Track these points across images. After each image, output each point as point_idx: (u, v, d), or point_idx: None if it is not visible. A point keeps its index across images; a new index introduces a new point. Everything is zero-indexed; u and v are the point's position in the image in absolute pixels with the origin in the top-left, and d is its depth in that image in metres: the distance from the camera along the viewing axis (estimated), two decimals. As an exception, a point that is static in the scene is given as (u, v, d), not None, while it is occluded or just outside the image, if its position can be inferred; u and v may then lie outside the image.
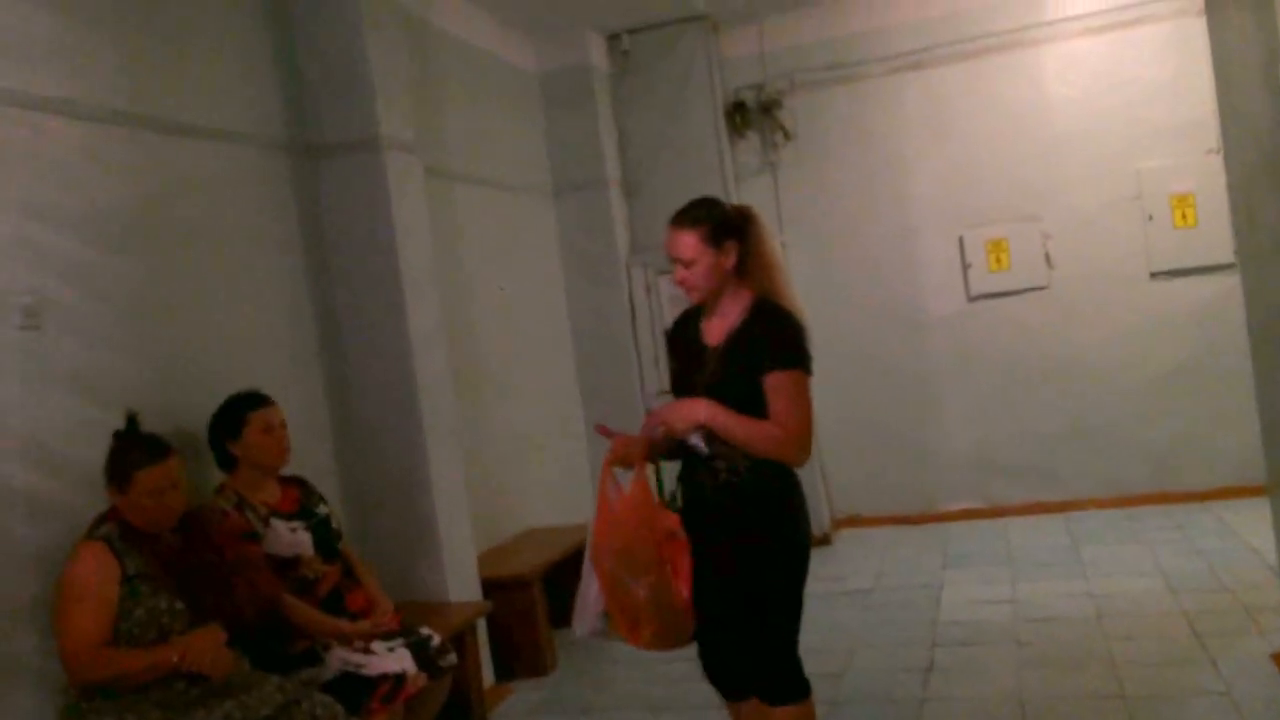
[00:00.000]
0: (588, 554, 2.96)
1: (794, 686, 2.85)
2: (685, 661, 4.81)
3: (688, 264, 2.82)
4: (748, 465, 2.76)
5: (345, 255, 4.43)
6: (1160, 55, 6.61)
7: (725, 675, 2.96)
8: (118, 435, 3.03)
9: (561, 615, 5.54)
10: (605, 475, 2.90)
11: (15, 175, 3.06)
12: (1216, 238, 6.50)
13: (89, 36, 3.40)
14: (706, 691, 4.43)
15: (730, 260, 2.83)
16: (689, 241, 2.81)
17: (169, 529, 3.05)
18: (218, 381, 3.65)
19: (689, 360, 2.91)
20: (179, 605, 2.94)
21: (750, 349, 2.76)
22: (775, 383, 2.72)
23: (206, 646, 2.88)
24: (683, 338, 2.98)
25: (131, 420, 3.04)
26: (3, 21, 3.09)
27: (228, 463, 3.55)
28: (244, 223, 4.04)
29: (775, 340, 2.75)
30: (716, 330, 2.87)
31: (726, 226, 2.83)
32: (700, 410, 2.75)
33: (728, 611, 2.83)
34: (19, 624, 2.90)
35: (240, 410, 3.54)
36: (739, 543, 2.78)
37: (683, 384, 2.92)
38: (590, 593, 2.96)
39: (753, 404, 2.74)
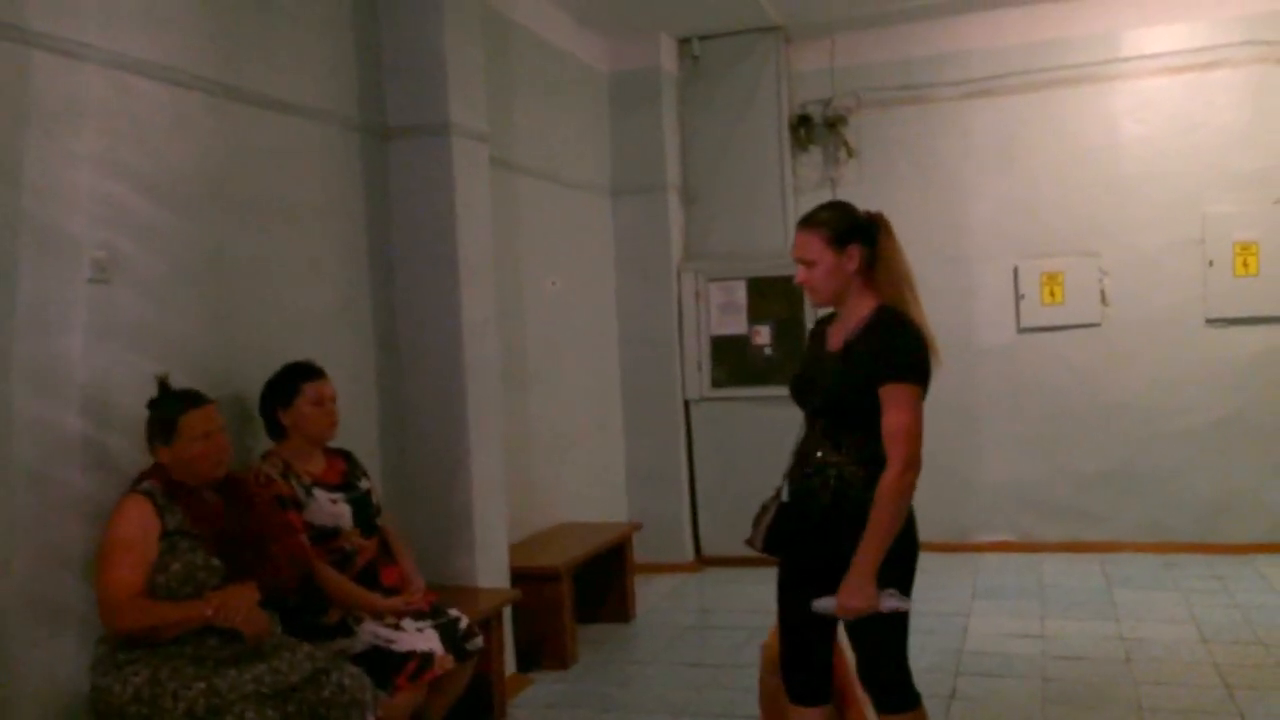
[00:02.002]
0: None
1: (904, 695, 2.83)
2: (709, 668, 4.85)
3: (809, 265, 2.82)
4: (859, 476, 2.73)
5: (407, 237, 4.49)
6: (1236, 100, 6.53)
7: (809, 679, 2.93)
8: (153, 401, 3.09)
9: (588, 610, 5.60)
10: None
11: (98, 131, 3.14)
12: (1277, 289, 6.42)
13: (182, 2, 3.48)
14: (728, 699, 4.47)
15: (852, 265, 2.79)
16: (812, 242, 2.81)
17: (218, 477, 3.12)
18: (273, 350, 3.72)
19: (813, 363, 2.91)
20: (216, 562, 3.00)
21: (866, 358, 2.72)
22: (888, 394, 2.67)
23: (240, 603, 2.94)
24: (813, 346, 2.97)
25: (163, 384, 3.11)
26: (98, -17, 3.17)
27: (277, 431, 3.61)
28: (312, 197, 4.11)
29: (890, 350, 2.71)
30: (837, 336, 2.85)
31: (852, 231, 2.80)
32: (864, 596, 2.68)
33: (827, 617, 2.81)
34: (69, 570, 2.96)
35: (293, 380, 3.60)
36: (848, 552, 2.72)
37: (802, 386, 2.91)
38: None
39: (859, 413, 2.72)
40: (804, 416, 2.92)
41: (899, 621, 2.78)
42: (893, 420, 2.67)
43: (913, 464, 2.66)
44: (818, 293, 2.85)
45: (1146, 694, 4.31)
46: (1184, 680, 4.45)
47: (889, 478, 2.66)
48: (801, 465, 2.85)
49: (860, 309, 2.81)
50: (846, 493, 2.73)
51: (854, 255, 2.79)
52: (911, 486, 2.68)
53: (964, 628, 5.32)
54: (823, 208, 2.90)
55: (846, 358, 2.77)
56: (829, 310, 2.98)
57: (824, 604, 2.74)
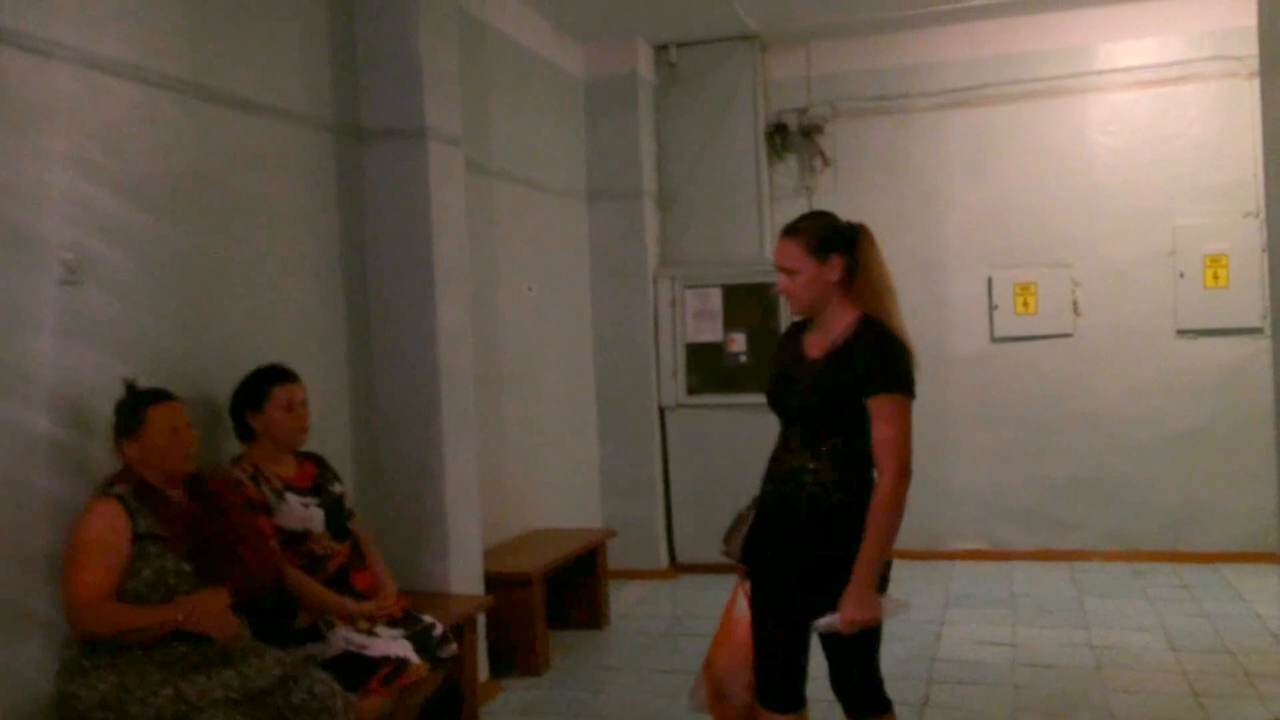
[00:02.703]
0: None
1: (875, 701, 2.85)
2: (681, 674, 4.84)
3: (790, 273, 2.83)
4: (835, 480, 2.75)
5: (381, 241, 4.47)
6: (1206, 114, 6.61)
7: (785, 685, 2.93)
8: (119, 403, 3.06)
9: (560, 617, 5.58)
10: (735, 594, 3.11)
11: (69, 131, 3.10)
12: (1246, 300, 6.50)
13: (157, 2, 3.44)
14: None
15: (834, 274, 2.81)
16: (793, 251, 2.82)
17: (185, 473, 3.09)
18: (245, 353, 3.69)
19: (788, 370, 2.91)
20: (186, 567, 2.97)
21: (851, 367, 2.74)
22: (879, 406, 2.70)
23: (211, 607, 2.91)
24: (786, 353, 2.97)
25: (130, 387, 3.08)
26: (71, -20, 3.14)
27: (247, 434, 3.58)
28: (286, 199, 4.08)
29: (879, 361, 2.73)
30: (818, 344, 2.85)
31: (834, 240, 2.82)
32: (868, 608, 2.70)
33: (804, 621, 2.82)
34: (33, 574, 2.92)
35: (264, 384, 3.57)
36: (825, 554, 2.76)
37: (778, 393, 2.91)
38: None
39: (840, 422, 2.75)
40: (780, 423, 2.93)
41: (872, 628, 2.79)
42: (885, 432, 2.69)
43: (905, 474, 2.69)
44: (798, 301, 2.86)
45: (1116, 702, 4.34)
46: (1153, 688, 4.48)
47: (884, 489, 2.68)
48: (777, 471, 2.86)
49: (842, 319, 2.82)
50: (825, 497, 2.75)
51: (836, 265, 2.81)
52: (905, 496, 2.70)
53: (936, 635, 5.35)
54: (805, 217, 2.92)
55: (830, 366, 2.78)
56: (800, 318, 2.99)
57: (826, 623, 2.72)
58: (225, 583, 3.01)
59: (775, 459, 2.90)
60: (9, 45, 2.91)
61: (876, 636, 2.83)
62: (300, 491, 3.58)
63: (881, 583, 2.79)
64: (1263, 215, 6.39)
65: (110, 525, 2.90)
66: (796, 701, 2.92)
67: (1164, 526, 6.69)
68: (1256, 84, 6.05)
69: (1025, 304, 6.94)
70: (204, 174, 3.65)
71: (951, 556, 6.97)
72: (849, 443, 2.75)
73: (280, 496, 3.50)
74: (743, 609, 3.06)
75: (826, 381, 2.77)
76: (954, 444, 7.05)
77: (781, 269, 2.85)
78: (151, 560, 2.92)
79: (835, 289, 2.82)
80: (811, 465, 2.77)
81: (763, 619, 2.93)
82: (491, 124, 5.65)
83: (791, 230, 2.86)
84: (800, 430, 2.82)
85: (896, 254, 7.35)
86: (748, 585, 3.02)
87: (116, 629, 2.83)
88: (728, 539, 3.03)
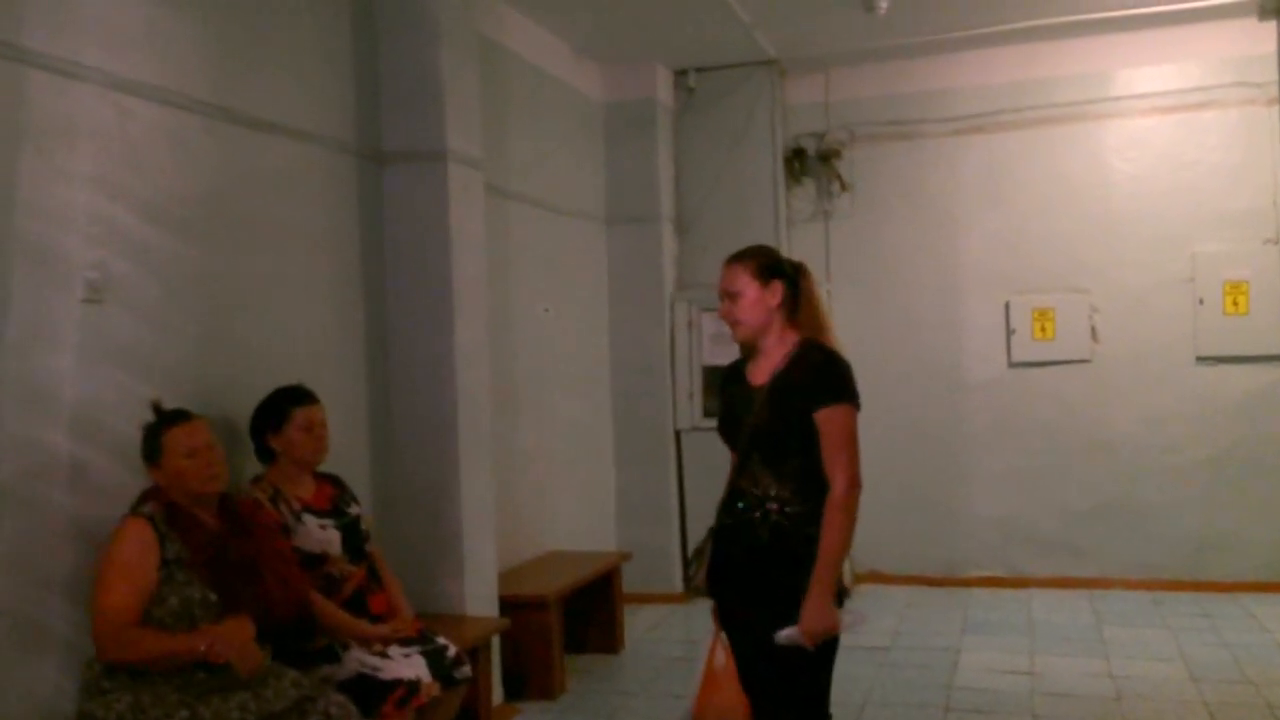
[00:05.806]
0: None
1: None
2: (696, 700, 4.80)
3: (734, 295, 2.90)
4: (801, 512, 2.77)
5: (400, 263, 4.49)
6: (1225, 141, 6.59)
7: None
8: (145, 424, 3.07)
9: (575, 640, 5.56)
10: (714, 648, 3.02)
11: (94, 152, 3.13)
12: (1267, 328, 6.46)
13: (181, 25, 3.48)
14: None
15: (775, 299, 2.89)
16: (738, 274, 2.91)
17: (213, 493, 3.08)
18: (264, 373, 3.70)
19: (735, 403, 2.96)
20: (212, 597, 2.95)
21: (799, 386, 2.81)
22: (827, 417, 2.77)
23: (235, 638, 2.89)
24: (730, 387, 3.03)
25: (156, 407, 3.09)
26: (100, 4, 3.18)
27: (266, 455, 3.59)
28: (306, 221, 4.10)
29: (825, 376, 2.81)
30: (763, 370, 2.91)
31: (776, 267, 2.93)
32: (828, 618, 2.72)
33: (762, 654, 2.79)
34: (52, 593, 2.93)
35: (284, 405, 3.58)
36: (793, 584, 2.75)
37: (729, 425, 2.97)
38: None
39: (797, 440, 2.78)
40: (733, 455, 2.96)
41: (823, 667, 2.79)
42: (835, 442, 2.76)
43: (856, 482, 2.76)
44: (743, 325, 2.91)
45: (1136, 732, 4.30)
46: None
47: (836, 498, 2.74)
48: (738, 500, 2.88)
49: (783, 345, 2.90)
50: (791, 530, 2.77)
51: (777, 290, 2.90)
52: (857, 504, 2.76)
53: (954, 663, 5.30)
54: (748, 247, 3.00)
55: (776, 389, 2.83)
56: (736, 359, 3.05)
57: (788, 635, 2.72)
58: (250, 608, 2.99)
59: (734, 489, 2.91)
60: (34, 66, 2.95)
61: (829, 667, 2.81)
62: (318, 513, 3.58)
63: (839, 596, 2.80)
64: (1283, 242, 6.39)
65: (140, 548, 2.89)
66: None
67: (1184, 555, 6.62)
68: (1276, 111, 6.08)
69: (1043, 329, 6.91)
70: (226, 195, 3.67)
71: (969, 583, 6.91)
72: (808, 464, 2.79)
73: (298, 518, 3.50)
74: (721, 661, 2.98)
75: (776, 404, 2.82)
76: (971, 470, 7.01)
77: (726, 293, 2.92)
78: (179, 588, 2.91)
79: (777, 316, 2.90)
80: (774, 492, 2.81)
81: (747, 656, 2.88)
82: (510, 147, 5.68)
83: (736, 256, 2.95)
84: (759, 457, 2.85)
85: (913, 279, 7.41)
86: (724, 636, 2.98)
87: (140, 656, 2.81)
88: (694, 572, 3.02)
